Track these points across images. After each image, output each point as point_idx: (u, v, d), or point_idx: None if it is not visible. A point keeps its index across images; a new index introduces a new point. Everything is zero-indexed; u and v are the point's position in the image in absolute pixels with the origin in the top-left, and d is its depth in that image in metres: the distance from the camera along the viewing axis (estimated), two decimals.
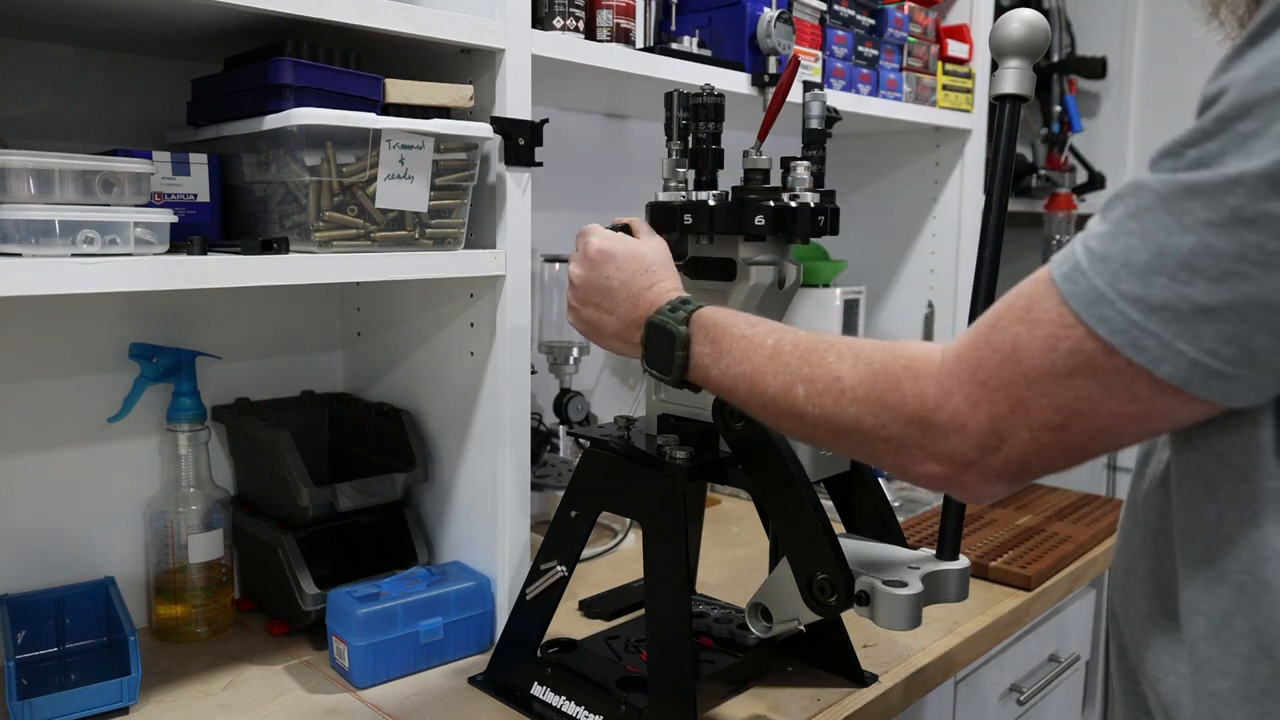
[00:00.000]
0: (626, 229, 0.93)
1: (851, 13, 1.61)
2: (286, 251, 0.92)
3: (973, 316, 0.76)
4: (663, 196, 0.98)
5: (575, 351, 1.49)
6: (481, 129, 1.03)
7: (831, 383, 0.66)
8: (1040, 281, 0.57)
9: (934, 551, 0.86)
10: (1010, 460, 0.58)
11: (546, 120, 1.09)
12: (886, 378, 0.63)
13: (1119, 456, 2.56)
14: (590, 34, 1.20)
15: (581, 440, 1.01)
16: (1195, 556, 0.59)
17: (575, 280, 0.90)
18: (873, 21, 1.65)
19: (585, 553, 1.19)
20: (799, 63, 1.10)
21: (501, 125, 1.05)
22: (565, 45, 1.13)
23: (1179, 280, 0.50)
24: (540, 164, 1.09)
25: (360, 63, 0.99)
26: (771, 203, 0.92)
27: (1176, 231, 0.51)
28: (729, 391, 0.76)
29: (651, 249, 0.88)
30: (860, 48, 1.62)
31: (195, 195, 1.02)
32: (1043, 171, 2.38)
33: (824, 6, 1.51)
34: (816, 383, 0.67)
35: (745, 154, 0.96)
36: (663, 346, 0.80)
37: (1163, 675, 0.63)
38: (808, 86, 1.45)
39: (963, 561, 0.85)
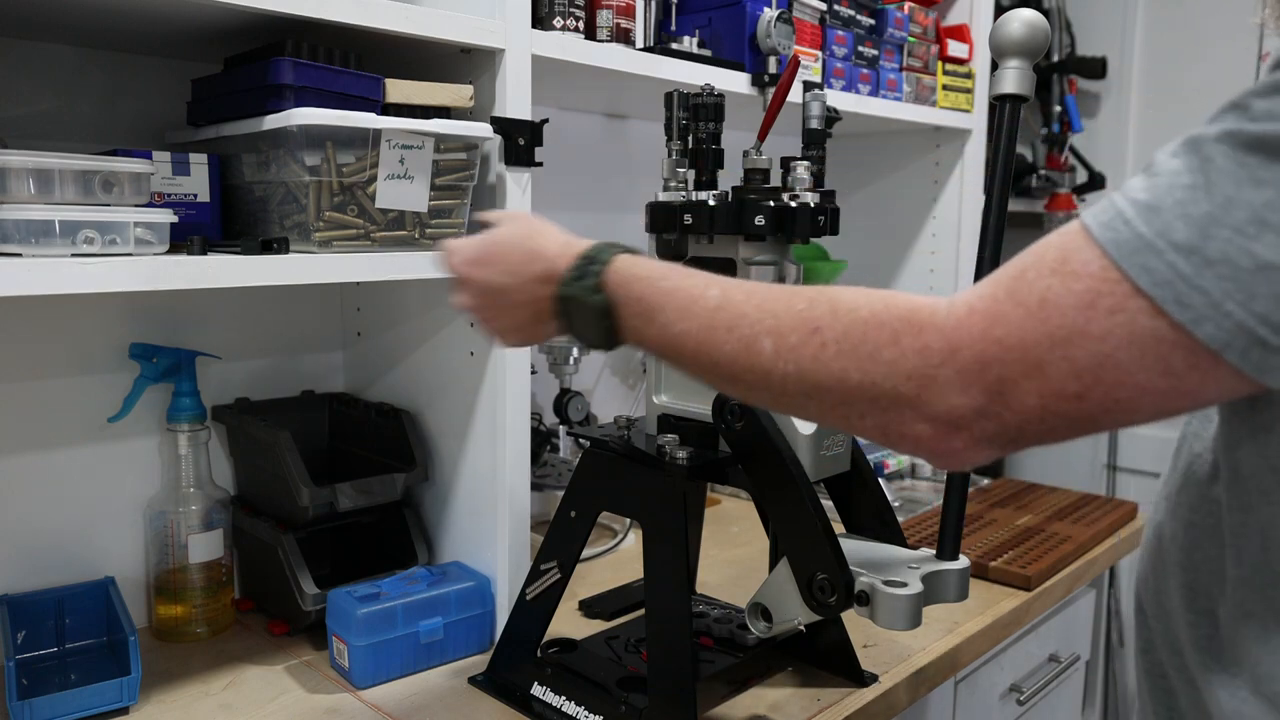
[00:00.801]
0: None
1: (851, 13, 1.61)
2: (286, 251, 0.92)
3: None
4: (663, 196, 0.98)
5: (575, 351, 1.49)
6: (481, 129, 1.03)
7: (808, 335, 0.58)
8: (1073, 234, 0.52)
9: (934, 551, 0.86)
10: (1007, 427, 0.53)
11: (546, 120, 1.09)
12: (880, 329, 0.57)
13: (1119, 457, 2.56)
14: (590, 34, 1.20)
15: (581, 440, 1.01)
16: (1249, 558, 0.58)
17: (467, 304, 0.80)
18: (873, 21, 1.65)
19: (585, 553, 1.19)
20: (799, 63, 1.10)
21: (501, 125, 1.05)
22: (565, 45, 1.13)
23: (1245, 234, 0.47)
24: (540, 164, 1.09)
25: (360, 63, 0.99)
26: (771, 203, 0.92)
27: (1248, 184, 0.48)
28: (672, 352, 0.67)
29: (509, 229, 0.79)
30: (860, 48, 1.62)
31: (195, 195, 1.02)
32: (1043, 171, 2.38)
33: (824, 6, 1.51)
34: (788, 335, 0.59)
35: (745, 154, 0.96)
36: (584, 320, 0.71)
37: (1201, 674, 0.62)
38: (808, 86, 1.45)
39: (963, 561, 0.85)
